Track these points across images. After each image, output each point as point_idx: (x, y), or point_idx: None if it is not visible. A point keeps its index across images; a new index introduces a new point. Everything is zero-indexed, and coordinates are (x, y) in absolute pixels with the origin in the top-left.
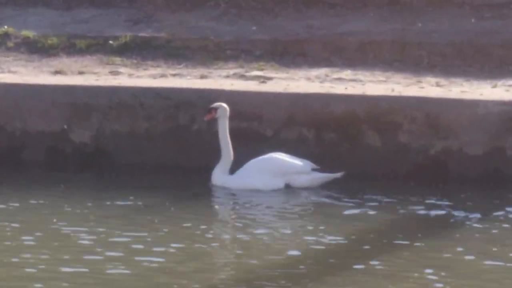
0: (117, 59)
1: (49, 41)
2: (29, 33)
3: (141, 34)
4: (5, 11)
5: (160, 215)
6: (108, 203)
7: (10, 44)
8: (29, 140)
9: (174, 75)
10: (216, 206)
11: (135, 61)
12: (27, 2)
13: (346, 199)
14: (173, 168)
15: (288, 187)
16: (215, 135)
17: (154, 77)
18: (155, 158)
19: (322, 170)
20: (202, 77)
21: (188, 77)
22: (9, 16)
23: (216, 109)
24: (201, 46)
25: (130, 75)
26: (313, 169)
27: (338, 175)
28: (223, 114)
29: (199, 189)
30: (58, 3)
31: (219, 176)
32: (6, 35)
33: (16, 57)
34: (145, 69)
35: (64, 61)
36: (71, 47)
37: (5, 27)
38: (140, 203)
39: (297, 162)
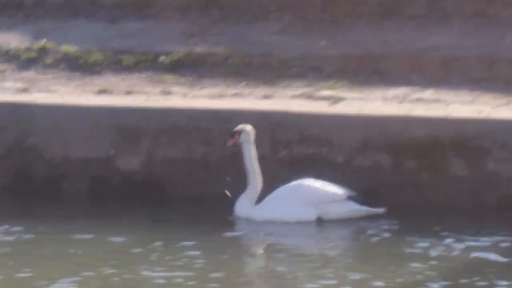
0: (169, 77)
1: (93, 57)
2: (70, 48)
3: (196, 49)
4: (44, 24)
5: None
6: (158, 243)
7: (48, 60)
8: (71, 168)
9: (233, 95)
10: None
11: (189, 79)
12: (67, 14)
13: (419, 235)
14: (234, 200)
15: (320, 219)
16: (280, 162)
17: (211, 97)
18: (213, 189)
19: (389, 200)
20: (265, 97)
21: (250, 97)
22: (48, 29)
23: (239, 133)
24: (264, 63)
25: (184, 95)
26: (350, 197)
27: (380, 210)
28: (247, 138)
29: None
30: (102, 15)
31: (244, 206)
32: (45, 50)
33: (55, 74)
34: (201, 89)
35: (109, 80)
36: (117, 64)
37: (44, 41)
38: (194, 242)
39: (330, 189)
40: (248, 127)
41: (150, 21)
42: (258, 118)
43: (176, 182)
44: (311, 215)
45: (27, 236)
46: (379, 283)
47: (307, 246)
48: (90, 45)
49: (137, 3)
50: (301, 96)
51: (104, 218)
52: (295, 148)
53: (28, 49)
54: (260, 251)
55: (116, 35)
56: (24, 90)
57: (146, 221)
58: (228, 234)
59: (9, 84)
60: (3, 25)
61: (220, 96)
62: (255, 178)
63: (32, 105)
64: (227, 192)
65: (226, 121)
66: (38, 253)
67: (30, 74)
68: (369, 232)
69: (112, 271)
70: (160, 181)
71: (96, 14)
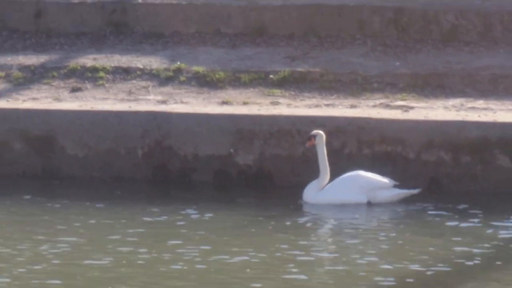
0: (277, 91)
1: (217, 76)
2: (199, 69)
3: (298, 69)
4: (179, 50)
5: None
6: (270, 221)
7: (182, 78)
8: (199, 163)
9: (327, 105)
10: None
11: (292, 93)
12: (197, 42)
13: (469, 217)
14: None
15: (370, 202)
16: (363, 158)
17: (309, 106)
18: (311, 180)
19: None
20: (352, 106)
21: (340, 107)
22: (182, 54)
23: (315, 136)
24: (351, 80)
25: (288, 105)
26: (394, 185)
27: (416, 191)
28: (321, 140)
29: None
30: (224, 43)
31: (311, 193)
32: (179, 70)
33: (187, 89)
34: (301, 100)
35: (230, 93)
36: (236, 81)
37: (178, 63)
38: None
39: (379, 178)
40: (321, 132)
41: (262, 47)
42: (346, 123)
43: (281, 174)
44: (363, 199)
45: (163, 217)
46: (424, 257)
47: (360, 222)
48: (215, 66)
49: (252, 33)
50: (380, 105)
51: (225, 202)
52: (376, 147)
53: (166, 70)
54: (322, 226)
55: (235, 58)
56: (163, 102)
57: (255, 203)
58: (301, 214)
59: (151, 97)
60: (147, 51)
61: (317, 106)
62: (325, 171)
63: (169, 114)
64: None
65: (321, 125)
66: (172, 228)
67: (167, 89)
68: (421, 213)
69: (214, 245)
70: (269, 173)
71: (220, 42)
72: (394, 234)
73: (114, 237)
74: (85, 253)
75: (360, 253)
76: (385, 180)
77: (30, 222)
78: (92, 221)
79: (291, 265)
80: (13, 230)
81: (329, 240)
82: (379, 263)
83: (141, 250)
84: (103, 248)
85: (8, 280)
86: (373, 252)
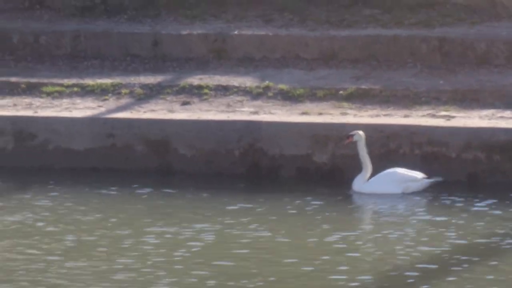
0: (345, 104)
1: (297, 92)
2: (284, 86)
3: (362, 86)
4: (267, 71)
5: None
6: (336, 205)
7: (270, 94)
8: (285, 161)
9: (385, 115)
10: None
11: (358, 105)
12: (282, 65)
13: (498, 205)
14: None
15: (403, 193)
16: (414, 157)
17: (371, 116)
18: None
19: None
20: (405, 116)
21: (395, 116)
22: (270, 75)
23: (353, 135)
24: (404, 95)
25: (354, 115)
26: (424, 177)
27: (439, 179)
28: (359, 138)
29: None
30: (303, 66)
31: (357, 184)
32: (268, 88)
33: (274, 103)
34: (365, 111)
35: (308, 106)
36: (313, 96)
37: (267, 82)
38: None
39: (411, 173)
40: (360, 132)
41: (333, 69)
42: (400, 129)
43: (349, 170)
44: (398, 190)
45: (250, 205)
46: (450, 234)
47: (396, 209)
48: (295, 84)
49: (325, 58)
50: (427, 115)
51: (304, 192)
52: (425, 148)
53: (257, 87)
54: (365, 211)
55: (312, 78)
56: (255, 113)
57: (328, 193)
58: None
59: (245, 109)
60: (242, 72)
61: (377, 115)
62: (367, 166)
63: (260, 122)
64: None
65: (380, 131)
66: (262, 213)
67: (258, 102)
68: (450, 202)
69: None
70: (340, 169)
71: (299, 65)
72: (427, 218)
73: (228, 221)
74: (213, 236)
75: (399, 234)
76: (415, 174)
77: (153, 209)
78: (204, 208)
79: (343, 243)
80: (144, 216)
81: (375, 220)
82: (416, 244)
83: (251, 227)
84: (222, 230)
85: (177, 260)
86: (411, 234)
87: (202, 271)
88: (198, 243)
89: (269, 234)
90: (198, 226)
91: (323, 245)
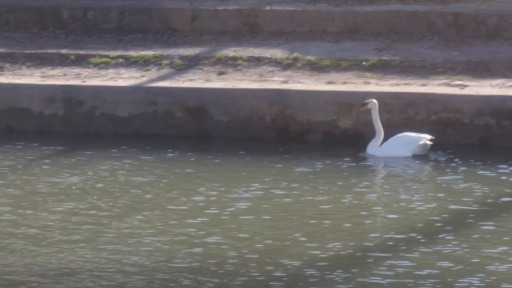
0: (368, 74)
1: (324, 63)
2: (311, 58)
3: (383, 58)
4: (296, 44)
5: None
6: (353, 165)
7: (298, 65)
8: (312, 126)
9: (405, 84)
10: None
11: (379, 75)
12: (309, 38)
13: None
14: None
15: (414, 155)
16: (431, 122)
17: (392, 85)
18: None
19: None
20: (423, 85)
21: (414, 85)
22: (298, 47)
23: (367, 103)
24: (422, 66)
25: (376, 84)
26: (430, 139)
27: (431, 137)
28: (373, 106)
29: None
30: (329, 39)
31: (372, 148)
32: (296, 59)
33: (302, 73)
34: (386, 80)
35: (333, 76)
36: (338, 66)
37: (296, 54)
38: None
39: (420, 135)
40: (374, 100)
41: (357, 42)
42: (418, 97)
43: (371, 135)
44: (408, 153)
45: (277, 165)
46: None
47: (408, 170)
48: (322, 56)
49: (349, 31)
50: (443, 84)
51: (329, 156)
52: (440, 114)
53: (287, 58)
54: (378, 171)
55: (337, 50)
56: (285, 82)
57: (345, 153)
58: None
59: (276, 78)
60: (273, 45)
61: (397, 84)
62: (379, 132)
63: (289, 90)
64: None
65: (400, 99)
66: (289, 170)
67: (288, 73)
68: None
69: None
70: (363, 133)
71: (326, 38)
72: (441, 178)
73: (267, 179)
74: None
75: (411, 193)
76: (423, 135)
77: (199, 171)
78: (242, 169)
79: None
80: (192, 178)
81: (387, 179)
82: (426, 200)
83: (285, 185)
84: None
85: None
86: (421, 192)
87: (252, 226)
88: (245, 203)
89: (297, 192)
90: (243, 185)
91: (338, 202)
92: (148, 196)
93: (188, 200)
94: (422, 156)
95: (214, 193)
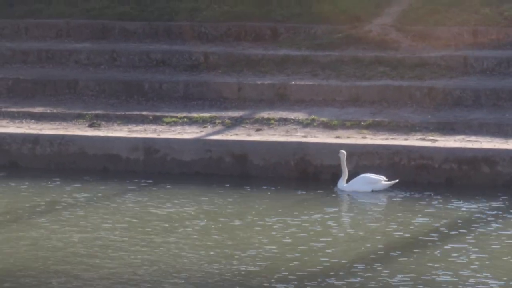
0: (365, 131)
1: (333, 123)
2: (324, 119)
3: (376, 119)
4: (313, 109)
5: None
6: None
7: (315, 124)
8: (324, 169)
9: (392, 138)
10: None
11: (373, 132)
12: (323, 105)
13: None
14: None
15: (373, 190)
16: None
17: (382, 139)
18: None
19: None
20: (405, 139)
21: (398, 140)
22: (315, 111)
23: (339, 153)
24: (404, 125)
25: (371, 139)
26: (385, 180)
27: (395, 181)
28: (342, 155)
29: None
30: (338, 105)
31: (341, 184)
32: (313, 120)
33: (317, 130)
34: (378, 136)
35: (340, 132)
36: (343, 125)
37: (313, 116)
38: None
39: (378, 177)
40: (343, 151)
41: (358, 107)
42: (402, 148)
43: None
44: (369, 188)
45: (304, 195)
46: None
47: (369, 201)
48: (332, 117)
49: (352, 100)
50: (419, 139)
51: (319, 189)
52: (417, 161)
53: (306, 119)
54: (345, 201)
55: (343, 113)
56: (304, 136)
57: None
58: (334, 195)
59: (298, 134)
60: (296, 109)
61: (386, 139)
62: (345, 173)
63: (308, 143)
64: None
65: (388, 149)
66: (312, 202)
67: (307, 129)
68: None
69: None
70: (359, 174)
71: (335, 104)
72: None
73: (291, 207)
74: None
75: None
76: (380, 177)
77: (243, 201)
78: (272, 199)
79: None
80: (237, 206)
81: (351, 208)
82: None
83: (305, 211)
84: None
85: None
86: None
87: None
88: (283, 228)
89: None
90: (280, 213)
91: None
92: (216, 223)
93: (246, 225)
94: (382, 191)
95: (255, 217)
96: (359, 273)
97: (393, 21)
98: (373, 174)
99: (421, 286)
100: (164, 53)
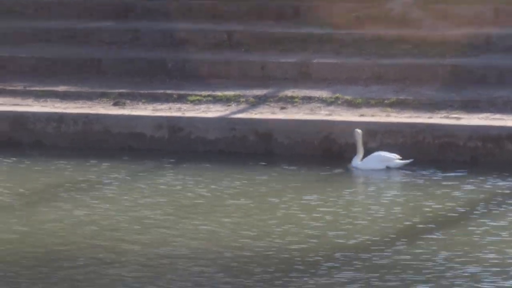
0: (389, 109)
1: (357, 101)
2: (348, 97)
3: (400, 97)
4: (337, 87)
5: None
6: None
7: (339, 102)
8: (348, 147)
9: (416, 116)
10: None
11: (397, 110)
12: (347, 83)
13: None
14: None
15: (388, 167)
16: None
17: (406, 118)
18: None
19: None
20: (429, 117)
21: (422, 118)
22: (339, 89)
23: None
24: (428, 103)
25: (395, 117)
26: (399, 158)
27: (410, 161)
28: (357, 134)
29: None
30: (361, 83)
31: (355, 162)
32: (337, 98)
33: (341, 108)
34: (402, 114)
35: (364, 110)
36: (367, 103)
37: (337, 94)
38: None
39: (391, 155)
40: (359, 130)
41: (381, 85)
42: (425, 126)
43: (391, 153)
44: (382, 166)
45: (327, 174)
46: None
47: (399, 179)
48: (356, 96)
49: (376, 78)
50: (444, 117)
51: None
52: (441, 139)
53: (330, 97)
54: (375, 180)
55: (367, 92)
56: (329, 115)
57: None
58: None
59: (322, 112)
60: (319, 88)
61: (410, 117)
62: (360, 152)
63: (332, 121)
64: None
65: (412, 127)
66: (337, 179)
67: (331, 108)
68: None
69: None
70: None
71: (359, 82)
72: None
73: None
74: None
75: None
76: (394, 155)
77: (268, 179)
78: (296, 178)
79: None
80: (264, 184)
81: (382, 186)
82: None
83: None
84: None
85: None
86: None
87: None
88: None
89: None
90: (308, 192)
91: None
92: (248, 199)
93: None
94: (409, 170)
95: (270, 196)
96: (403, 250)
97: None
98: (387, 152)
99: (469, 264)
100: (187, 32)
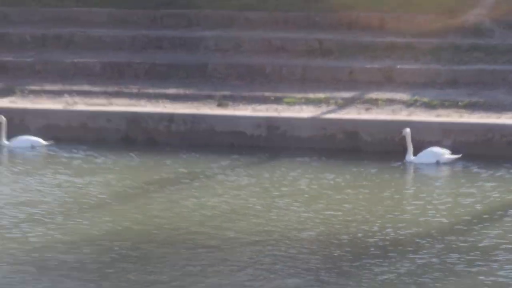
0: (462, 110)
1: (434, 103)
2: (426, 99)
3: (472, 99)
4: (416, 90)
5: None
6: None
7: (417, 104)
8: (424, 144)
9: (487, 116)
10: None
11: (470, 111)
12: (424, 87)
13: None
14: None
15: (438, 162)
16: None
17: (478, 118)
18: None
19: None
20: (498, 117)
21: (492, 118)
22: (418, 92)
23: (402, 131)
24: (497, 105)
25: (468, 117)
26: (450, 153)
27: (458, 156)
28: (407, 133)
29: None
30: (438, 87)
31: (409, 157)
32: (416, 100)
33: (420, 109)
34: (474, 115)
35: (440, 111)
36: (443, 105)
37: (416, 96)
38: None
39: (442, 150)
40: (407, 129)
41: (455, 89)
42: (494, 126)
43: (466, 150)
44: (434, 160)
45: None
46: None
47: (432, 172)
48: (433, 98)
49: (451, 82)
50: (511, 117)
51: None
52: (509, 137)
53: (410, 100)
54: (411, 173)
55: (443, 94)
56: (408, 115)
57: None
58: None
59: (403, 113)
60: (401, 91)
61: (481, 117)
62: (410, 149)
63: (412, 121)
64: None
65: (483, 126)
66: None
67: (411, 109)
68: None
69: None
70: (458, 149)
71: (435, 86)
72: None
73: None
74: None
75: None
76: (445, 150)
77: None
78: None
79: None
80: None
81: (417, 178)
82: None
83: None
84: None
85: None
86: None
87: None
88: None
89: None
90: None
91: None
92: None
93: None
94: (448, 163)
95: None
96: (484, 233)
97: (487, 12)
98: (439, 148)
99: None
100: (283, 40)
